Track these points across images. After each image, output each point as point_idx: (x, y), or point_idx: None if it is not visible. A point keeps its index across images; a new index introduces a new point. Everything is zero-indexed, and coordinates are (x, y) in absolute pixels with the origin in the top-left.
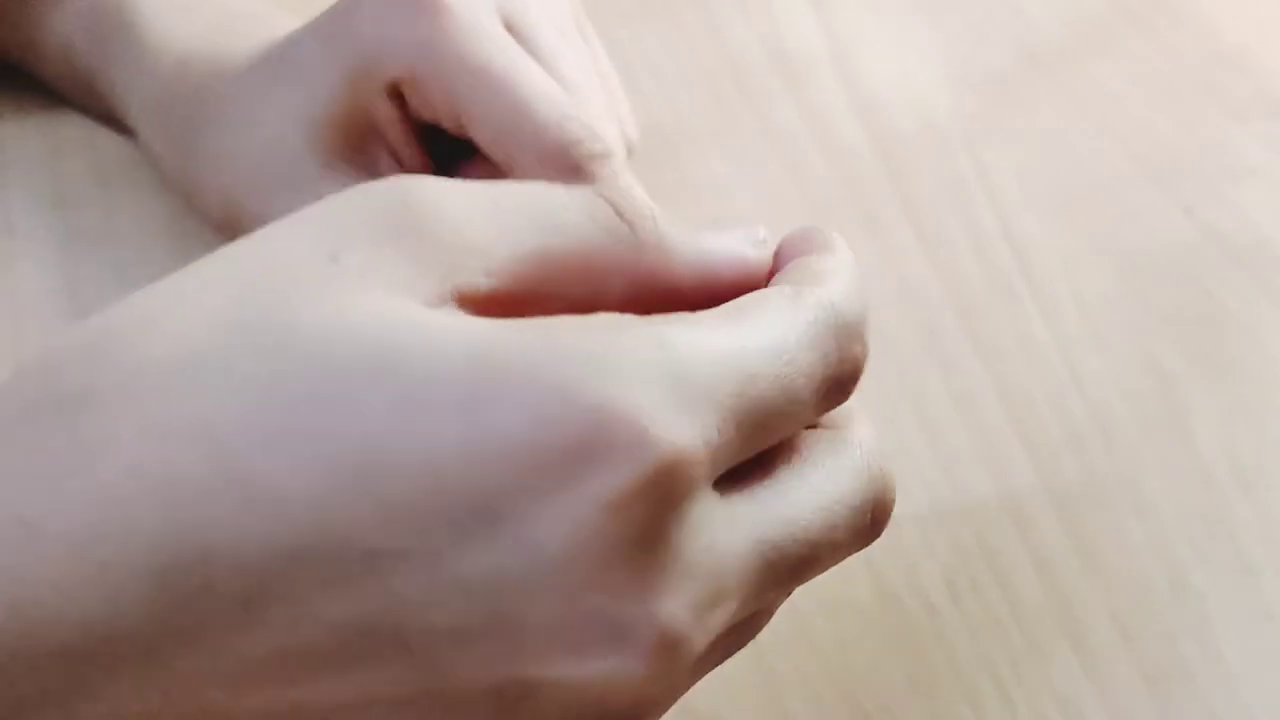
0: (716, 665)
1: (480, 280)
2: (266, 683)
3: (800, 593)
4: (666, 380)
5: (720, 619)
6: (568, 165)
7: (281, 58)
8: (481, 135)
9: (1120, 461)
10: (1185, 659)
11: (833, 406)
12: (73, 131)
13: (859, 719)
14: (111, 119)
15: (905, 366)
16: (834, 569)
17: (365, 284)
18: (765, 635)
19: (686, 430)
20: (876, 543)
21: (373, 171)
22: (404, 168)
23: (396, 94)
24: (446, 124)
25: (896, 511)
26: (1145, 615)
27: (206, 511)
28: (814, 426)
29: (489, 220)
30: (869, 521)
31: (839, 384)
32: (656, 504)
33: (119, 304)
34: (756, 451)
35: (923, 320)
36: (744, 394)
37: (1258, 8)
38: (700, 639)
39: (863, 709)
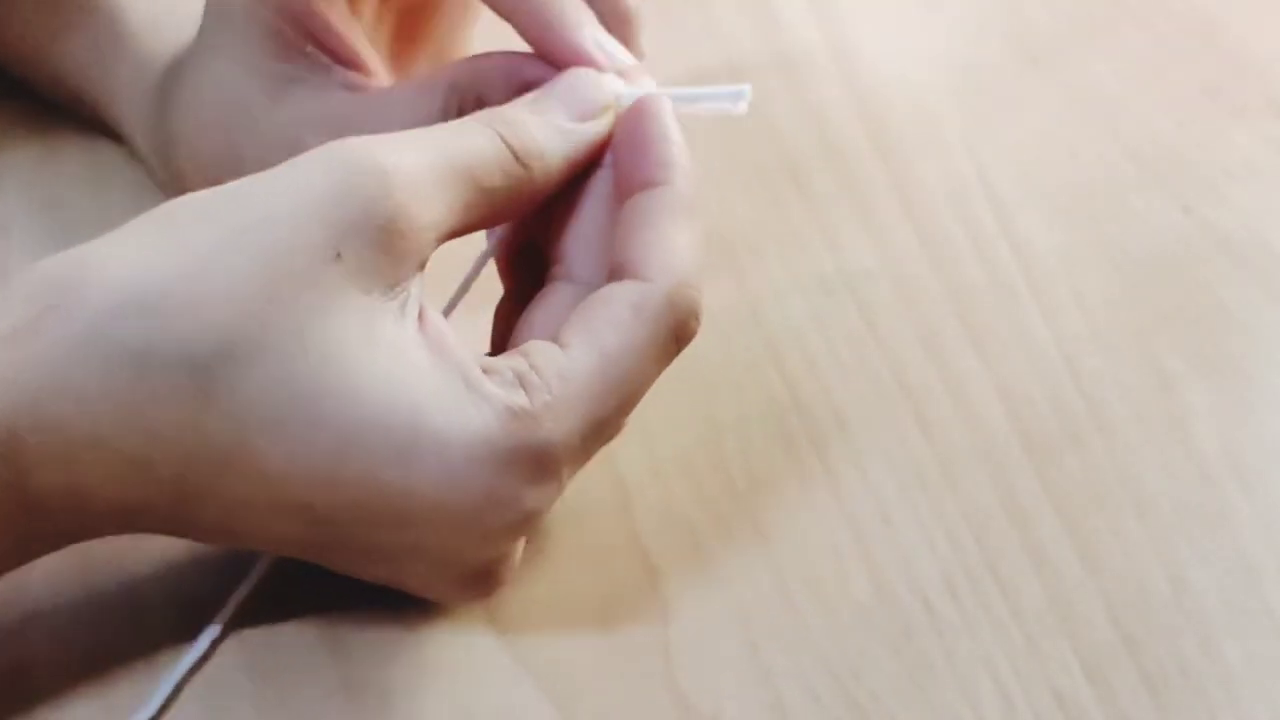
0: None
1: (431, 248)
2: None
3: (800, 592)
4: (536, 464)
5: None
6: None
7: (216, 5)
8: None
9: (1120, 461)
10: (1185, 659)
11: None
12: (67, 133)
13: (858, 718)
14: (103, 124)
15: (905, 366)
16: (834, 569)
17: (358, 283)
18: (764, 634)
19: (547, 495)
20: (876, 542)
21: (319, 65)
22: (339, 45)
23: None
24: None
25: (897, 511)
26: (1145, 615)
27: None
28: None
29: (436, 189)
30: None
31: (675, 354)
32: (518, 536)
33: (152, 241)
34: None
35: (923, 320)
36: (598, 431)
37: (1258, 7)
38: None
39: (861, 708)
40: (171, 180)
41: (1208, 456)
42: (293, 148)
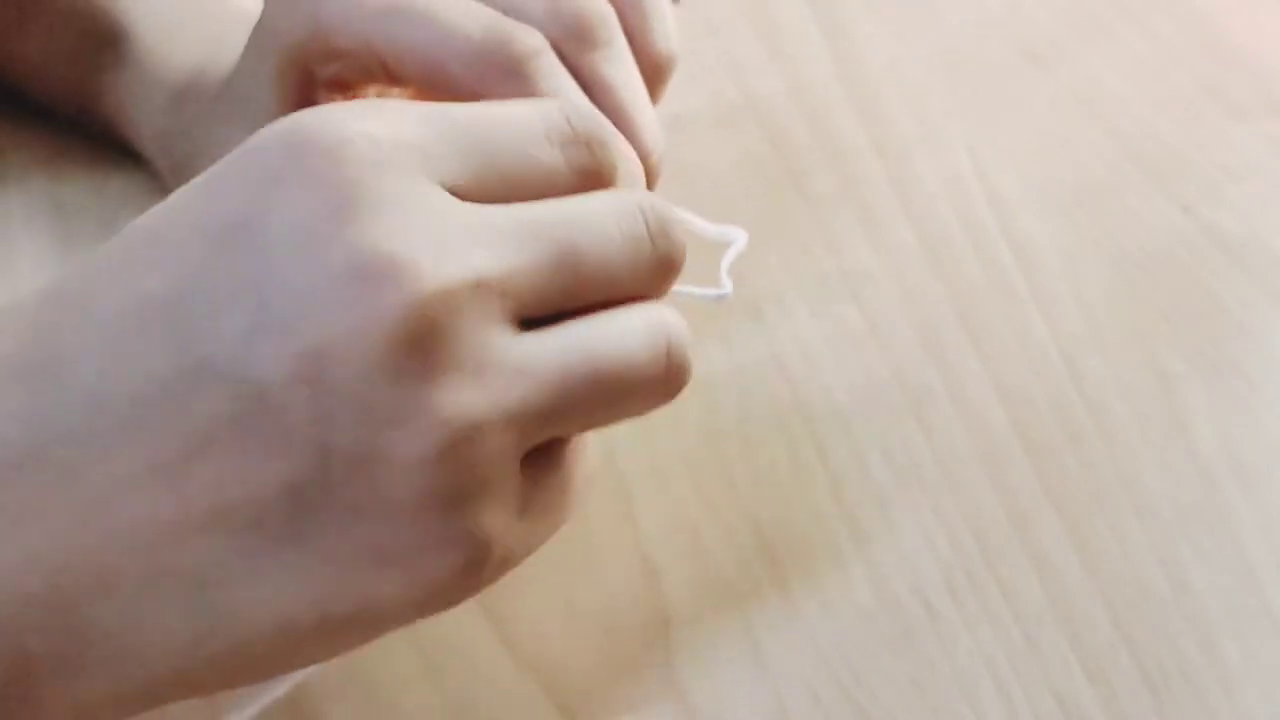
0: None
1: None
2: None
3: (800, 592)
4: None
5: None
6: (502, 69)
7: (230, 92)
8: (410, 68)
9: (1120, 461)
10: (1185, 659)
11: (589, 167)
12: (71, 137)
13: (858, 718)
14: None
15: (905, 366)
16: (834, 570)
17: None
18: (765, 634)
19: (410, 127)
20: (877, 543)
21: None
22: None
23: (337, 84)
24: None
25: (897, 511)
26: (1145, 615)
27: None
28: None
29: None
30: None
31: (577, 141)
32: (389, 171)
33: None
34: (498, 178)
35: (923, 320)
36: (465, 119)
37: (1258, 7)
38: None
39: (862, 709)
40: None
41: (1208, 456)
42: None
